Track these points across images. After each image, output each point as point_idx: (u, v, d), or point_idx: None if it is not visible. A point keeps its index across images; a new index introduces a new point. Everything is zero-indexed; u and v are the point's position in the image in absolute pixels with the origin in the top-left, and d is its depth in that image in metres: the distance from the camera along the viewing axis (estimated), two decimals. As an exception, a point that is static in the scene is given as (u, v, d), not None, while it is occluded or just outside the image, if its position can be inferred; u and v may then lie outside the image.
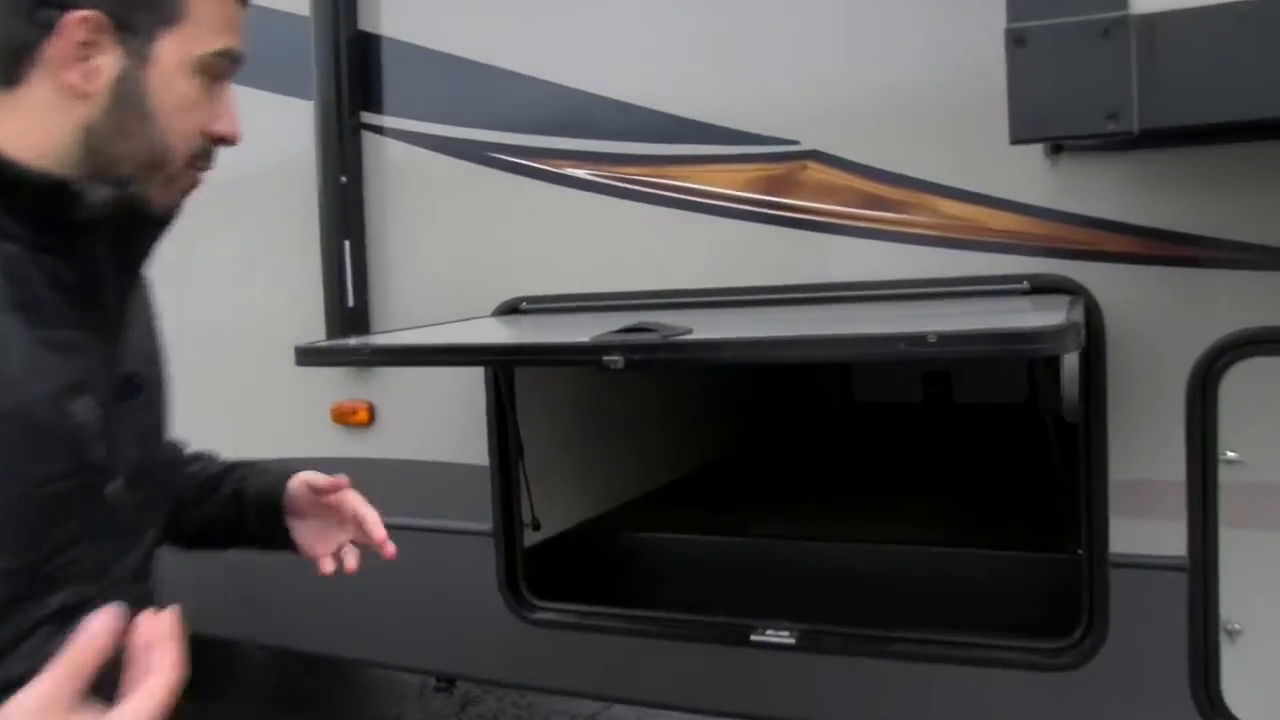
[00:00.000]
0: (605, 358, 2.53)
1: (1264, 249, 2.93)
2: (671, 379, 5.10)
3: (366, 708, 5.79)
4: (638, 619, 3.69)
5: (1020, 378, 7.29)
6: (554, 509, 4.19)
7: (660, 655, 3.67)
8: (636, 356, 2.53)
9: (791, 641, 3.41)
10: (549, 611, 3.83)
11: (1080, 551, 3.22)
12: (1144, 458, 3.09)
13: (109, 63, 1.34)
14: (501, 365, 3.66)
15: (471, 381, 3.76)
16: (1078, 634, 3.19)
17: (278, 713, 5.79)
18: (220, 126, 1.47)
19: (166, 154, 1.41)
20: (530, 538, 3.97)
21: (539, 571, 3.97)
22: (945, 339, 2.22)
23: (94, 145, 1.36)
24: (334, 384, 4.05)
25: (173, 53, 1.38)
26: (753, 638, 3.46)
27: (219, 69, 1.44)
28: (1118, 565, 3.12)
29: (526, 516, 3.91)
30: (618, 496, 4.83)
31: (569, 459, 4.35)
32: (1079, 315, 2.78)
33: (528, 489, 3.87)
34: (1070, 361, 3.10)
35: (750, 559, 4.10)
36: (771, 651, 3.46)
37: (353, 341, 3.51)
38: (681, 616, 3.66)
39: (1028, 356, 3.19)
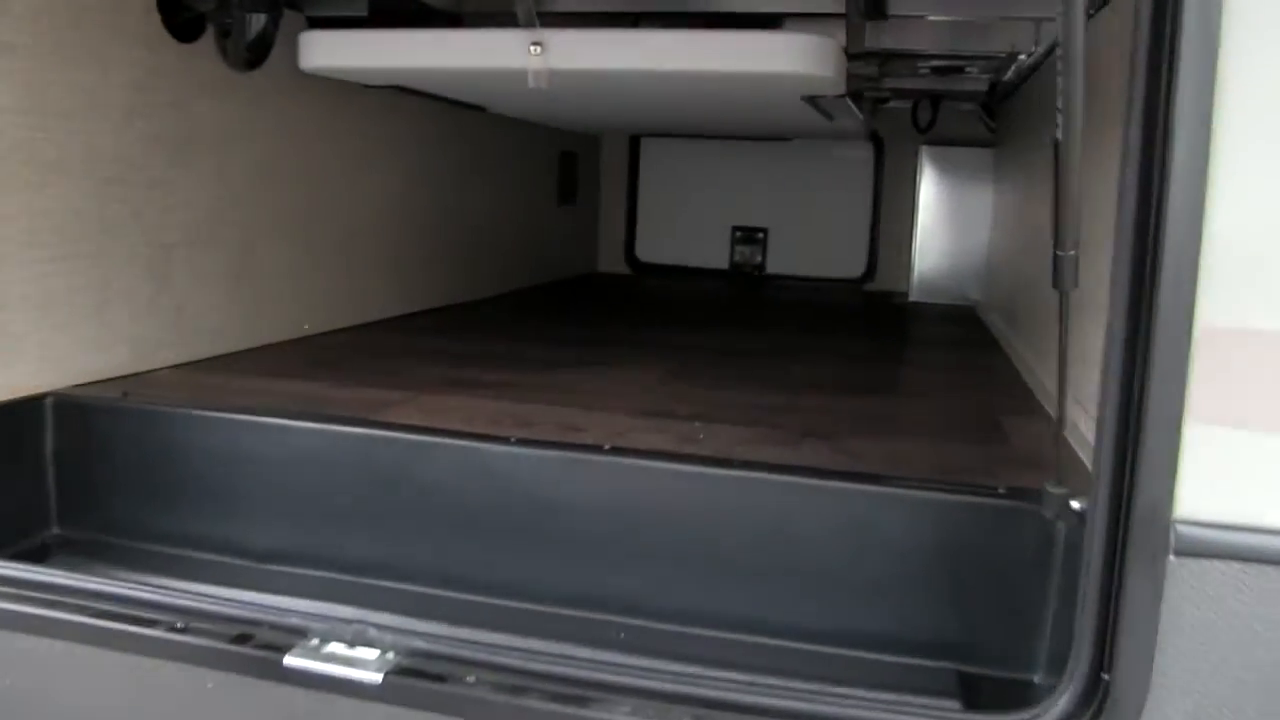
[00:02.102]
0: None
1: None
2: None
3: None
4: (56, 595, 1.63)
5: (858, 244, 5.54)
6: (16, 349, 2.10)
7: (104, 679, 1.61)
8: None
9: (374, 679, 1.42)
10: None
11: (1078, 504, 1.32)
12: None
13: None
14: None
15: None
16: (1059, 705, 1.30)
17: None
18: None
19: None
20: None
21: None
22: None
23: None
24: None
25: None
26: (290, 660, 1.46)
27: None
28: (1188, 550, 1.21)
29: None
30: (221, 339, 2.75)
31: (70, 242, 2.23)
32: None
33: None
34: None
35: (385, 474, 2.07)
36: (332, 696, 1.46)
37: None
38: (153, 596, 1.62)
39: None
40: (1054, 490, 1.37)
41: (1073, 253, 1.22)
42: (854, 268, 5.67)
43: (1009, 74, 3.93)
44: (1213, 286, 1.18)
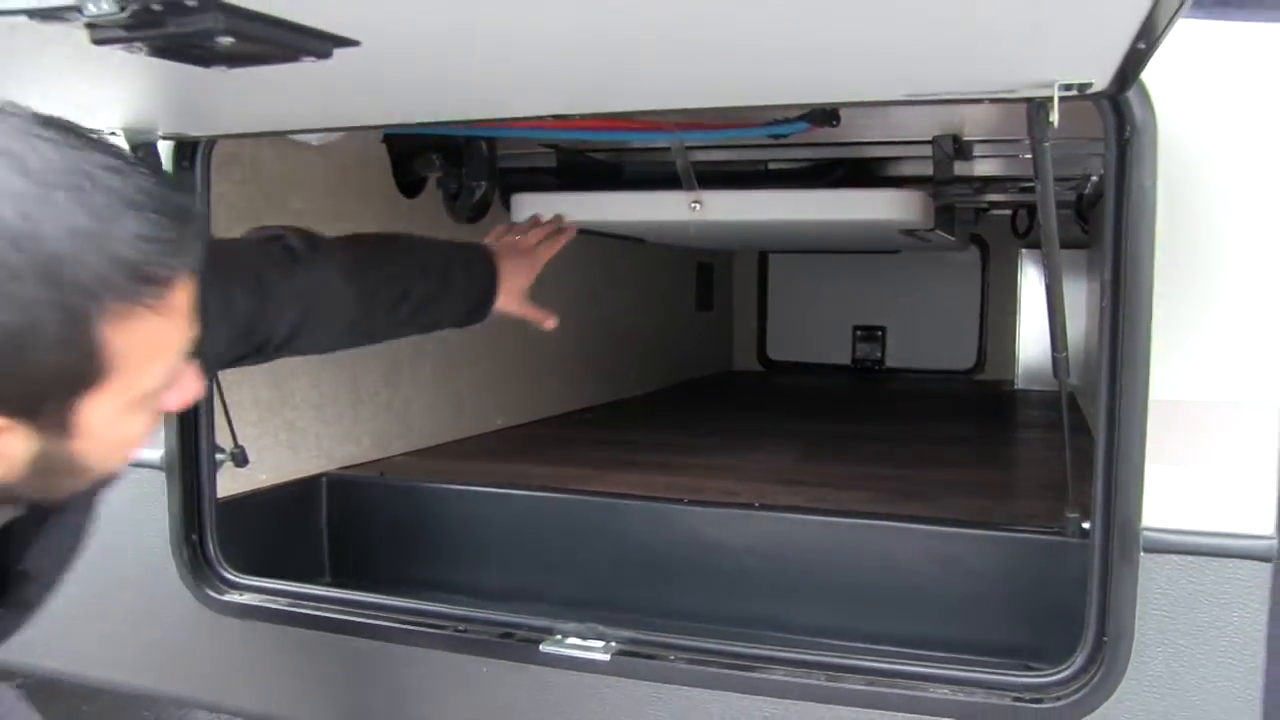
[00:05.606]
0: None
1: None
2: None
3: None
4: (369, 610, 2.32)
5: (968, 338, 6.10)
6: (301, 440, 2.84)
7: (409, 668, 2.29)
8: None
9: (604, 658, 2.07)
10: (244, 591, 2.45)
11: (1087, 525, 1.91)
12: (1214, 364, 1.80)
13: (19, 446, 1.10)
14: None
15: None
16: (1077, 662, 1.88)
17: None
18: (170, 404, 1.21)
19: (107, 476, 1.24)
20: (233, 481, 2.59)
21: (246, 531, 2.60)
22: None
23: (19, 495, 1.21)
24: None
25: (103, 410, 1.11)
26: (544, 648, 2.11)
27: (163, 396, 1.19)
28: (1153, 548, 1.81)
29: (224, 444, 2.52)
30: (436, 432, 3.47)
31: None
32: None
33: (221, 398, 2.46)
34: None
35: (588, 529, 2.75)
36: (575, 673, 2.11)
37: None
38: (440, 609, 2.30)
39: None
40: (1070, 515, 1.98)
41: (1065, 353, 1.84)
42: (965, 360, 6.22)
43: (1088, 189, 4.51)
44: (1160, 372, 1.79)
